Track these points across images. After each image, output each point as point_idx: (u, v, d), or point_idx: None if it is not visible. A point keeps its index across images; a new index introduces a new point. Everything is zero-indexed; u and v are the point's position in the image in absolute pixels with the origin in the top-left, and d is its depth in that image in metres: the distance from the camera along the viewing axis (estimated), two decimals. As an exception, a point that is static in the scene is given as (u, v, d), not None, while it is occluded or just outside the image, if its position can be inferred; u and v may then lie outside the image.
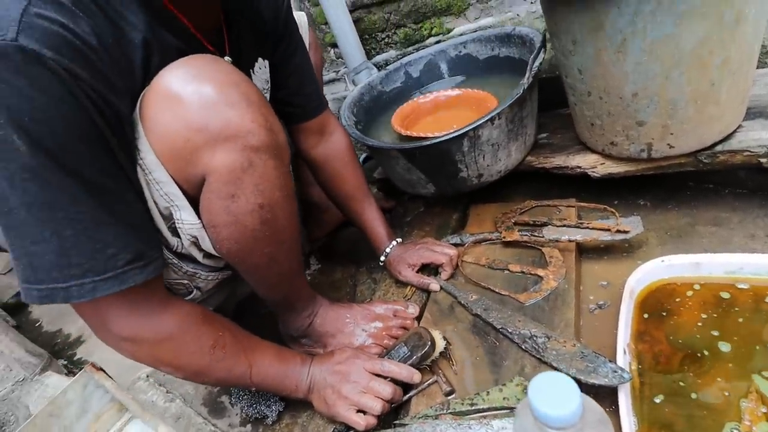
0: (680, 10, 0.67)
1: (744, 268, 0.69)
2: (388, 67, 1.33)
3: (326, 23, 1.55)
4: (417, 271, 0.94)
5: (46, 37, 0.45)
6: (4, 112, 0.45)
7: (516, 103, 0.89)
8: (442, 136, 0.89)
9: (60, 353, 1.40)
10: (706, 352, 0.63)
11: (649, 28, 0.70)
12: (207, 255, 0.69)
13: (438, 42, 1.42)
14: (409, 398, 0.73)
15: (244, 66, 0.76)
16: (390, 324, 0.85)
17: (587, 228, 0.87)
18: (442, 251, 0.94)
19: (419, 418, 0.69)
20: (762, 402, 0.55)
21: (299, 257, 0.78)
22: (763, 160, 0.78)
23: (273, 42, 0.81)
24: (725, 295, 0.69)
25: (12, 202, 0.49)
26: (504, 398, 0.65)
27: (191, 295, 0.75)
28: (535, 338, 0.71)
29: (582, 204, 0.95)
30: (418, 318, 0.87)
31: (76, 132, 0.49)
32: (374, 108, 1.26)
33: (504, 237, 0.94)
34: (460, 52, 1.28)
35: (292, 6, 0.95)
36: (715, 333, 0.65)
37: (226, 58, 0.69)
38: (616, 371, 0.60)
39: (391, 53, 1.59)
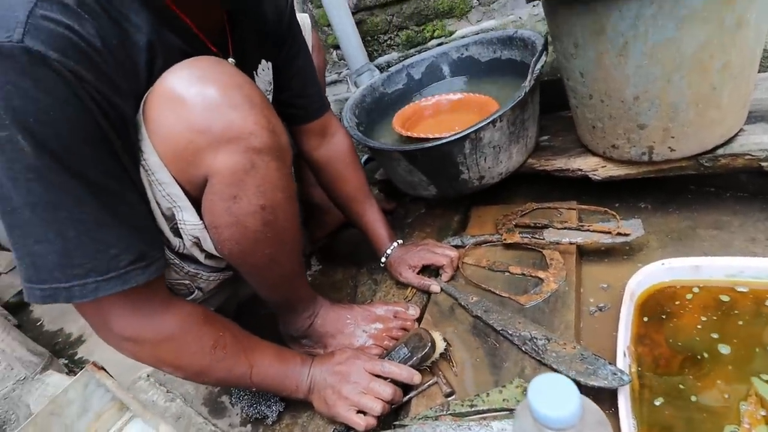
0: (681, 14, 0.67)
1: (744, 271, 0.69)
2: (390, 69, 1.34)
3: (329, 25, 1.55)
4: (418, 273, 0.94)
5: (51, 38, 0.46)
6: (10, 112, 0.46)
7: (517, 105, 0.89)
8: (444, 138, 0.89)
9: (61, 352, 1.41)
10: (705, 355, 0.63)
11: (650, 31, 0.70)
12: (209, 256, 0.70)
13: (440, 44, 1.42)
14: (409, 399, 0.74)
15: (248, 68, 0.76)
16: (390, 325, 0.85)
17: (588, 230, 0.87)
18: (442, 253, 0.94)
19: (419, 419, 0.69)
20: (761, 405, 0.55)
21: (300, 258, 0.78)
22: (764, 163, 0.78)
23: (276, 44, 0.81)
24: (725, 298, 0.69)
25: (16, 202, 0.49)
26: (504, 400, 0.66)
27: (193, 296, 0.76)
28: (535, 340, 0.71)
29: (583, 206, 0.96)
30: (419, 319, 0.87)
31: (80, 134, 0.49)
32: (376, 110, 1.27)
33: (505, 239, 0.94)
34: (462, 54, 1.28)
35: (296, 8, 0.95)
36: (715, 336, 0.65)
37: (230, 59, 0.69)
38: (615, 373, 0.60)
39: (394, 55, 1.60)
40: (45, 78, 0.46)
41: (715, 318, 0.67)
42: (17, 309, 1.69)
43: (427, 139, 0.97)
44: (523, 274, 0.86)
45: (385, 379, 0.73)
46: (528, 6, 1.35)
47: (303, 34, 0.88)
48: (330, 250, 1.28)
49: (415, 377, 0.74)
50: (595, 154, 0.95)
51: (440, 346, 0.76)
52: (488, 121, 0.88)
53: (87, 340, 1.42)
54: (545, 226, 0.92)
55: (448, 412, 0.67)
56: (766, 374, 0.59)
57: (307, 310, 0.85)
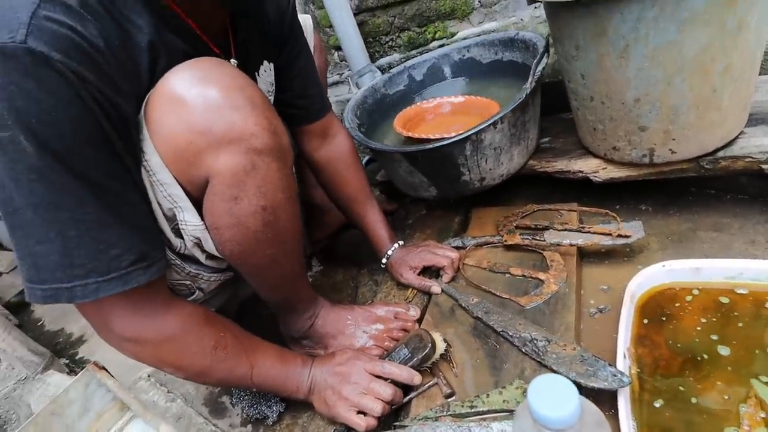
0: (683, 17, 0.67)
1: (744, 273, 0.69)
2: (391, 71, 1.34)
3: (331, 26, 1.56)
4: (418, 274, 0.94)
5: (54, 39, 0.46)
6: (13, 113, 0.46)
7: (519, 107, 0.89)
8: (445, 140, 0.90)
9: (62, 352, 1.41)
10: (705, 356, 0.63)
11: (651, 34, 0.70)
12: (209, 256, 0.70)
13: (442, 46, 1.42)
14: (410, 400, 0.74)
15: (250, 69, 0.76)
16: (391, 326, 0.85)
17: (589, 232, 0.87)
18: (443, 254, 0.94)
19: (419, 419, 0.69)
20: (761, 407, 0.55)
21: (301, 259, 0.78)
22: (764, 166, 0.78)
23: (278, 45, 0.81)
24: (724, 300, 0.69)
25: (18, 203, 0.49)
26: (504, 401, 0.66)
27: (193, 296, 0.76)
28: (535, 341, 0.71)
29: (584, 208, 0.96)
30: (419, 320, 0.87)
31: (83, 134, 0.50)
32: (377, 111, 1.27)
33: (505, 240, 0.94)
34: (463, 56, 1.28)
35: (298, 9, 0.95)
36: (715, 337, 0.65)
37: (232, 61, 0.69)
38: (615, 375, 0.60)
39: (395, 56, 1.60)
40: (48, 79, 0.46)
41: (714, 320, 0.67)
42: (18, 309, 1.69)
43: (428, 140, 0.97)
44: (524, 276, 0.86)
45: (386, 379, 0.73)
46: (529, 8, 1.35)
47: (305, 35, 0.88)
48: (331, 251, 1.28)
49: (416, 378, 0.74)
50: (596, 156, 0.95)
51: (440, 347, 0.76)
52: (489, 122, 0.88)
53: (88, 340, 1.42)
54: (546, 228, 0.93)
55: (448, 413, 0.67)
56: (766, 376, 0.59)
57: (307, 311, 0.85)
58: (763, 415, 0.55)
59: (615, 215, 0.87)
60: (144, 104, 0.57)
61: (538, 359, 0.69)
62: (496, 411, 0.66)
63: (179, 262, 0.69)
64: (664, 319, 0.69)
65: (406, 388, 0.75)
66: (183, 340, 0.64)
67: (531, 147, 1.03)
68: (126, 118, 0.55)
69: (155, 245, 0.61)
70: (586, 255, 0.90)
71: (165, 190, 0.60)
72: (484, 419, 0.65)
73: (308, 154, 0.96)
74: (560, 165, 0.99)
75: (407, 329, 0.85)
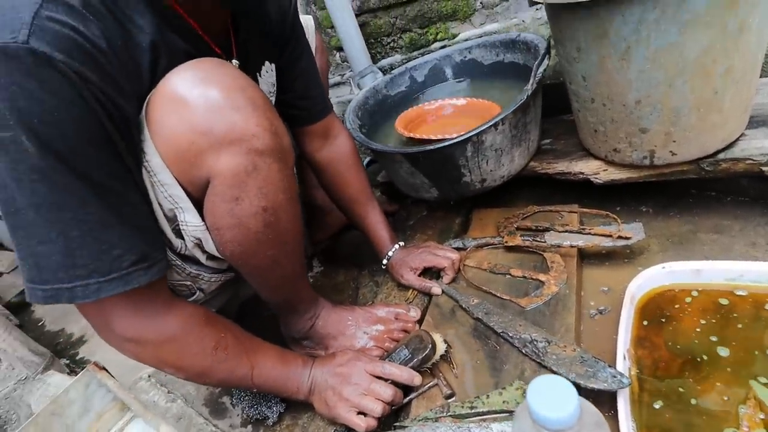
0: (684, 19, 0.67)
1: (744, 275, 0.70)
2: (393, 72, 1.34)
3: (332, 27, 1.56)
4: (419, 275, 0.94)
5: (57, 40, 0.46)
6: (15, 113, 0.46)
7: (520, 108, 0.89)
8: (446, 141, 0.90)
9: (62, 352, 1.41)
10: (705, 357, 0.63)
11: (653, 36, 0.70)
12: (210, 257, 0.70)
13: (443, 47, 1.43)
14: (410, 401, 0.74)
15: (252, 69, 0.76)
16: (391, 327, 0.85)
17: (589, 234, 0.87)
18: (444, 255, 0.94)
19: (419, 420, 0.69)
20: (760, 408, 0.55)
21: (302, 260, 0.78)
22: (765, 168, 0.78)
23: (279, 45, 0.82)
24: (724, 301, 0.69)
25: (20, 203, 0.49)
26: (504, 402, 0.66)
27: (194, 297, 0.76)
28: (535, 342, 0.71)
29: (584, 210, 0.96)
30: (420, 321, 0.88)
31: (85, 135, 0.50)
32: (379, 112, 1.27)
33: (506, 242, 0.94)
34: (465, 57, 1.29)
35: (300, 9, 0.96)
36: (714, 339, 0.65)
37: (234, 61, 0.70)
38: (615, 376, 0.60)
39: (397, 57, 1.60)
40: (50, 79, 0.46)
41: (714, 321, 0.67)
42: (19, 309, 1.69)
43: (430, 141, 0.97)
44: (524, 277, 0.86)
45: (386, 380, 0.73)
46: (531, 9, 1.35)
47: (306, 35, 0.89)
48: (332, 251, 1.28)
49: (416, 379, 0.74)
50: (596, 157, 0.95)
51: (441, 347, 0.77)
52: (490, 124, 0.88)
53: (88, 341, 1.42)
54: (546, 229, 0.93)
55: (448, 414, 0.68)
56: (765, 378, 0.59)
57: (308, 312, 0.85)
58: (762, 417, 0.55)
59: (615, 217, 0.88)
60: (145, 105, 0.57)
61: (538, 360, 0.69)
62: (496, 412, 0.66)
63: (180, 263, 0.69)
64: (663, 320, 0.70)
65: (406, 389, 0.75)
66: (184, 340, 0.64)
67: (532, 148, 1.03)
68: (128, 118, 0.55)
69: (156, 246, 0.61)
70: (586, 256, 0.90)
71: (166, 190, 0.60)
72: (484, 420, 0.65)
73: (309, 155, 0.96)
74: (561, 166, 0.99)
75: (408, 330, 0.85)
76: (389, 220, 1.03)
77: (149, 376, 1.01)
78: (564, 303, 0.78)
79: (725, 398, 0.58)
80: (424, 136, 1.03)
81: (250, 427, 0.86)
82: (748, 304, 0.68)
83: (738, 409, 0.56)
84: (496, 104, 1.09)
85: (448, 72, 1.32)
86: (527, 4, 1.35)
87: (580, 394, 0.41)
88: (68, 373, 1.23)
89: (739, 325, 0.66)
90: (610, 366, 0.62)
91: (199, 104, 0.54)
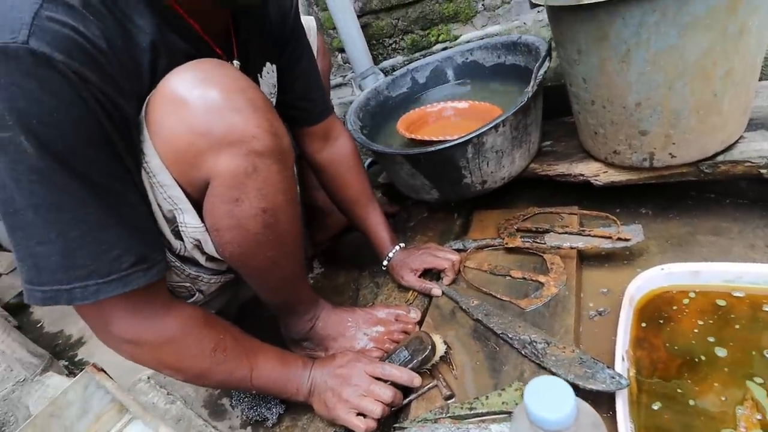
0: (684, 22, 0.68)
1: (743, 277, 0.70)
2: (394, 73, 1.34)
3: (334, 28, 1.56)
4: (419, 276, 0.94)
5: (57, 40, 0.46)
6: (14, 114, 0.46)
7: (520, 110, 0.90)
8: (447, 142, 0.90)
9: (61, 354, 1.41)
10: (702, 358, 0.63)
11: (653, 39, 0.70)
12: (210, 258, 0.70)
13: (445, 48, 1.43)
14: (409, 402, 0.74)
15: (252, 70, 0.76)
16: (392, 328, 0.85)
17: (589, 235, 0.87)
18: (444, 256, 0.94)
19: (419, 421, 0.69)
20: (757, 409, 0.56)
21: (302, 261, 0.78)
22: (763, 170, 0.78)
23: (280, 46, 0.82)
24: (721, 302, 0.69)
25: (18, 203, 0.49)
26: (503, 403, 0.66)
27: (193, 298, 0.76)
28: (534, 344, 0.71)
29: (584, 211, 0.96)
30: (420, 322, 0.87)
31: (84, 135, 0.50)
32: (380, 113, 1.27)
33: (506, 243, 0.94)
34: (466, 59, 1.29)
35: (301, 10, 0.96)
36: (712, 339, 0.65)
37: (235, 62, 0.70)
38: (614, 377, 0.60)
39: (398, 59, 1.60)
40: (50, 79, 0.46)
41: (711, 322, 0.67)
42: (17, 310, 1.69)
43: (430, 143, 0.98)
44: (524, 278, 0.87)
45: (386, 381, 0.73)
46: (532, 11, 1.36)
47: (308, 36, 0.89)
48: (332, 253, 1.29)
49: (415, 380, 0.74)
50: (596, 159, 0.96)
51: (440, 349, 0.77)
52: (491, 125, 0.88)
53: (87, 342, 1.42)
54: (546, 231, 0.93)
55: (448, 415, 0.68)
56: (761, 378, 0.59)
57: (308, 313, 0.85)
58: (759, 417, 0.55)
59: (615, 219, 0.88)
60: (145, 105, 0.57)
61: (538, 361, 0.69)
62: (495, 413, 0.66)
63: (179, 264, 0.69)
64: (662, 321, 0.70)
65: (405, 390, 0.75)
66: (182, 342, 0.64)
67: (533, 150, 1.03)
68: (127, 119, 0.55)
69: (155, 247, 0.61)
70: (586, 258, 0.91)
71: (165, 191, 0.60)
72: (483, 421, 0.65)
73: (310, 156, 0.96)
74: (561, 168, 0.99)
75: (408, 331, 0.85)
76: (390, 221, 1.03)
77: (148, 378, 1.01)
78: (563, 304, 0.78)
79: (723, 398, 0.58)
80: (426, 138, 1.03)
81: (249, 428, 0.86)
82: (746, 306, 0.68)
83: (735, 410, 0.56)
84: (497, 107, 1.09)
85: (450, 74, 1.32)
86: (528, 6, 1.36)
87: (579, 395, 0.41)
88: (67, 375, 1.22)
89: (737, 326, 0.66)
90: (608, 367, 0.62)
91: (198, 105, 0.54)
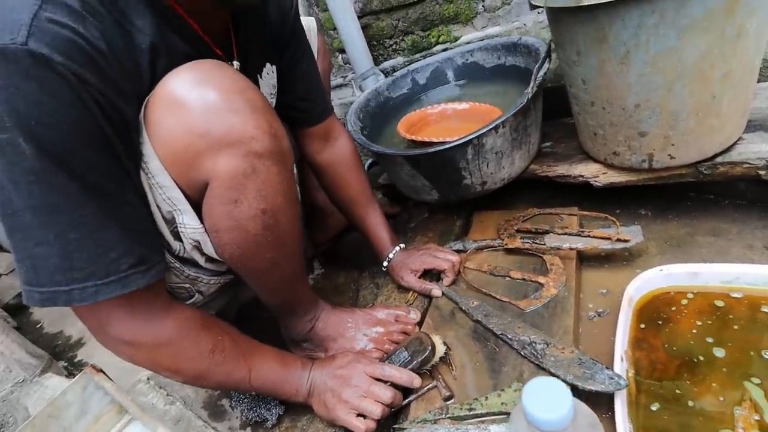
0: (683, 24, 0.68)
1: (741, 278, 0.70)
2: (395, 74, 1.34)
3: (335, 29, 1.56)
4: (419, 277, 0.94)
5: (56, 41, 0.46)
6: (13, 115, 0.46)
7: (520, 112, 0.90)
8: (447, 143, 0.90)
9: (60, 355, 1.40)
10: (701, 358, 0.64)
11: (652, 40, 0.71)
12: (209, 259, 0.70)
13: (445, 50, 1.43)
14: (409, 403, 0.74)
15: (252, 71, 0.76)
16: (391, 329, 0.85)
17: (588, 236, 0.87)
18: (444, 257, 0.94)
19: (418, 422, 0.69)
20: (755, 410, 0.56)
21: (301, 262, 0.78)
22: (762, 172, 0.79)
23: (280, 47, 0.82)
24: (720, 303, 0.69)
25: (16, 205, 0.49)
26: (502, 403, 0.66)
27: (193, 299, 0.76)
28: (534, 345, 0.71)
29: (584, 213, 0.96)
30: (420, 323, 0.88)
31: (83, 137, 0.50)
32: (380, 114, 1.27)
33: (506, 244, 0.94)
34: (466, 60, 1.29)
35: (301, 11, 0.96)
36: (710, 340, 0.65)
37: (235, 63, 0.70)
38: (612, 378, 0.61)
39: (399, 60, 1.61)
40: (49, 81, 0.46)
41: (710, 322, 0.68)
42: (17, 311, 1.68)
43: (431, 144, 0.98)
44: (524, 279, 0.87)
45: (386, 382, 0.73)
46: (533, 13, 1.36)
47: (308, 37, 0.89)
48: (332, 253, 1.29)
49: (415, 381, 0.74)
50: (596, 160, 0.96)
51: (440, 350, 0.77)
52: (491, 127, 0.88)
53: (87, 343, 1.42)
54: (546, 232, 0.93)
55: (447, 416, 0.68)
56: (759, 378, 0.59)
57: (308, 314, 0.85)
58: (757, 418, 0.55)
59: (614, 220, 0.88)
60: (143, 106, 0.57)
61: (537, 362, 0.69)
62: (494, 414, 0.66)
63: (178, 265, 0.69)
64: (660, 322, 0.70)
65: (405, 391, 0.75)
66: (180, 344, 0.64)
67: (532, 151, 1.03)
68: (127, 120, 0.55)
69: (154, 248, 0.60)
70: (585, 259, 0.91)
71: (164, 192, 0.60)
72: (483, 422, 0.66)
73: (310, 157, 0.97)
74: (561, 169, 0.99)
75: (407, 332, 0.85)
76: (390, 222, 1.03)
77: (148, 379, 1.01)
78: (563, 305, 0.78)
79: (721, 399, 0.58)
80: (426, 139, 1.03)
81: (249, 429, 0.86)
82: (744, 306, 0.68)
83: (733, 411, 0.56)
84: (497, 108, 1.10)
85: (450, 75, 1.32)
86: (528, 7, 1.36)
87: (578, 395, 0.41)
88: (66, 376, 1.22)
89: (735, 327, 0.66)
90: (607, 368, 0.63)
91: (197, 106, 0.54)
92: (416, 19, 1.51)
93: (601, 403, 0.62)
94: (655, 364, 0.65)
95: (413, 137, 1.08)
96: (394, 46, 1.60)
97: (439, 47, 1.52)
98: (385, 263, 0.98)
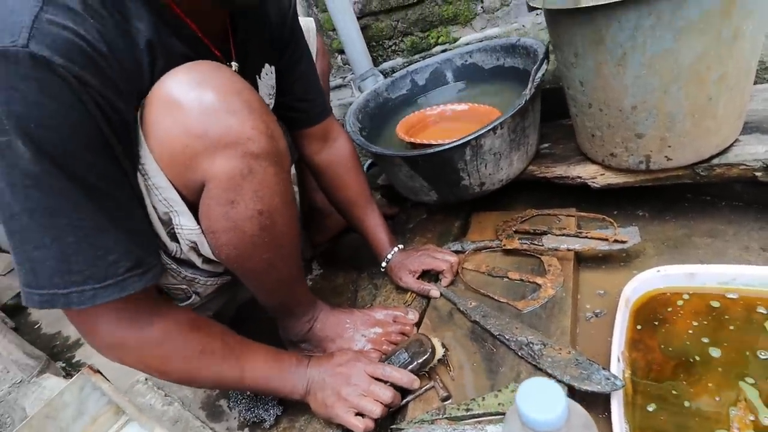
0: (679, 26, 0.68)
1: (737, 279, 0.70)
2: (394, 75, 1.34)
3: (334, 30, 1.57)
4: (418, 278, 0.94)
5: (57, 43, 0.46)
6: (12, 118, 0.45)
7: (518, 113, 0.90)
8: (445, 145, 0.90)
9: (58, 355, 1.40)
10: (697, 358, 0.64)
11: (648, 42, 0.71)
12: (206, 260, 0.70)
13: (444, 51, 1.43)
14: (406, 403, 0.74)
15: (251, 71, 0.76)
16: (389, 329, 0.85)
17: (586, 237, 0.88)
18: (442, 258, 0.94)
19: (415, 422, 0.69)
20: (750, 410, 0.56)
21: (299, 263, 0.78)
22: (758, 173, 0.79)
23: (279, 48, 0.82)
24: (715, 304, 0.70)
25: (14, 208, 0.49)
26: (499, 404, 0.66)
27: (190, 300, 0.76)
28: (531, 345, 0.71)
29: (582, 214, 0.96)
30: (418, 324, 0.88)
31: (82, 140, 0.50)
32: (379, 115, 1.27)
33: (504, 245, 0.94)
34: (466, 61, 1.29)
35: (300, 12, 0.96)
36: (706, 340, 0.66)
37: (233, 63, 0.70)
38: (609, 378, 0.61)
39: (398, 61, 1.61)
40: (50, 83, 0.46)
41: (705, 323, 0.68)
42: (15, 311, 1.68)
43: (429, 145, 0.98)
44: (522, 280, 0.87)
45: (385, 382, 0.73)
46: (531, 14, 1.36)
47: (308, 38, 0.89)
48: (331, 254, 1.29)
49: (415, 383, 0.73)
50: (594, 162, 0.96)
51: (439, 352, 0.77)
52: (489, 128, 0.88)
53: (85, 344, 1.41)
54: (544, 233, 0.93)
55: (444, 416, 0.68)
56: (754, 378, 0.59)
57: (306, 315, 0.85)
58: (752, 418, 0.55)
59: (612, 221, 0.88)
60: (140, 108, 0.57)
61: (534, 363, 0.70)
62: (491, 414, 0.66)
63: (175, 267, 0.69)
64: (657, 323, 0.70)
65: (403, 391, 0.75)
66: (167, 345, 0.63)
67: (531, 152, 1.03)
68: (127, 122, 0.55)
69: (151, 250, 0.60)
70: (583, 260, 0.91)
71: (160, 193, 0.59)
72: (480, 422, 0.66)
73: (309, 158, 0.97)
74: (559, 171, 1.00)
75: (406, 333, 0.85)
76: (389, 223, 1.03)
77: (146, 379, 1.01)
78: (560, 306, 0.78)
79: (717, 399, 0.58)
80: (425, 141, 1.03)
81: (246, 430, 0.86)
82: (739, 307, 0.68)
83: (729, 411, 0.56)
84: (496, 109, 1.10)
85: (449, 76, 1.33)
86: (527, 9, 1.36)
87: (574, 396, 0.41)
88: (64, 377, 1.22)
89: (731, 327, 0.66)
90: (604, 368, 0.63)
91: (194, 107, 0.54)
92: (415, 20, 1.51)
93: (597, 403, 0.62)
94: (651, 365, 0.65)
95: (412, 140, 1.08)
96: (393, 47, 1.61)
97: (438, 48, 1.52)
98: (384, 264, 0.98)
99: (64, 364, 1.35)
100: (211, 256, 0.67)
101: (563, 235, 0.90)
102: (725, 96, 0.75)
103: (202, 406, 0.95)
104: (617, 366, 0.63)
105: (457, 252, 1.00)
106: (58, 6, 0.47)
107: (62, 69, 0.46)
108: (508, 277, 0.89)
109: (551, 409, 0.40)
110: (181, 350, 0.64)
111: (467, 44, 1.36)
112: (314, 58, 0.97)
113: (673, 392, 0.61)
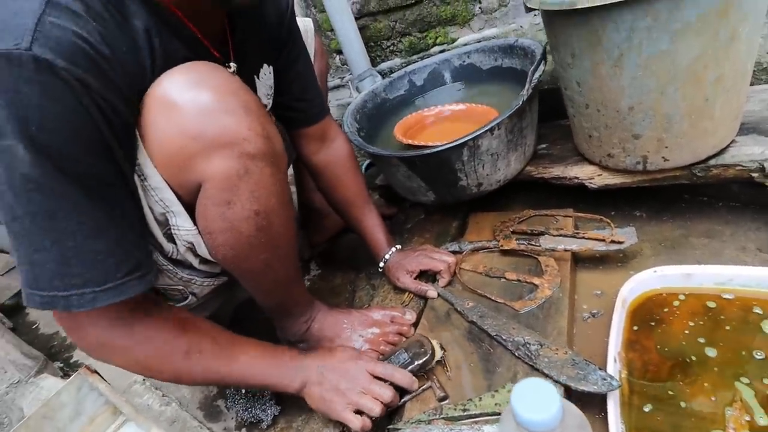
0: (675, 28, 0.68)
1: (734, 279, 0.70)
2: (392, 75, 1.34)
3: (332, 30, 1.57)
4: (415, 278, 0.95)
5: (60, 46, 0.45)
6: (14, 121, 0.45)
7: (516, 113, 0.90)
8: (443, 145, 0.90)
9: (56, 356, 1.40)
10: (693, 358, 0.64)
11: (644, 44, 0.71)
12: (203, 261, 0.70)
13: (442, 51, 1.43)
14: (404, 403, 0.74)
15: (249, 72, 0.76)
16: (387, 330, 0.85)
17: (583, 238, 0.88)
18: (440, 258, 0.95)
19: (412, 422, 0.69)
20: (746, 410, 0.56)
21: (296, 263, 0.78)
22: (755, 174, 0.79)
23: (277, 48, 0.82)
24: (712, 304, 0.70)
25: (17, 211, 0.49)
26: (496, 404, 0.66)
27: (186, 301, 0.75)
28: (528, 345, 0.71)
29: (579, 214, 0.97)
30: (415, 324, 0.88)
31: (84, 143, 0.50)
32: (377, 115, 1.27)
33: (502, 245, 0.95)
34: (463, 61, 1.29)
35: (299, 12, 0.96)
36: (702, 340, 0.66)
37: (232, 64, 0.70)
38: (605, 379, 0.61)
39: (396, 61, 1.61)
40: (52, 86, 0.46)
41: (702, 323, 0.68)
42: (12, 311, 1.67)
43: (427, 147, 0.98)
44: (519, 281, 0.87)
45: (385, 382, 0.73)
46: (529, 15, 1.36)
47: (306, 38, 0.89)
48: (329, 254, 1.29)
49: (414, 384, 0.73)
50: (591, 162, 0.96)
51: (438, 353, 0.77)
52: (486, 128, 0.88)
53: (84, 343, 1.41)
54: (541, 233, 0.93)
55: (441, 416, 0.68)
56: (749, 378, 0.59)
57: (303, 315, 0.85)
58: (747, 418, 0.55)
59: (609, 221, 0.88)
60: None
61: (531, 363, 0.70)
62: (488, 414, 0.66)
63: (171, 268, 0.68)
64: (653, 323, 0.70)
65: (400, 391, 0.75)
66: (153, 346, 0.63)
67: (528, 153, 1.03)
68: (128, 124, 0.55)
69: (148, 254, 0.60)
70: (580, 260, 0.91)
71: (157, 194, 0.59)
72: (476, 422, 0.66)
73: (306, 158, 0.97)
74: (557, 171, 1.00)
75: (403, 333, 0.85)
76: (387, 223, 1.03)
77: (143, 380, 1.01)
78: (557, 306, 0.78)
79: (713, 399, 0.59)
80: (422, 143, 1.03)
81: (244, 430, 0.87)
82: (736, 307, 0.69)
83: (725, 411, 0.57)
84: (494, 109, 1.10)
85: (447, 76, 1.33)
86: (525, 9, 1.36)
87: (571, 396, 0.41)
88: (62, 377, 1.22)
89: (727, 328, 0.67)
90: (600, 369, 0.63)
91: (190, 108, 0.54)
92: (413, 21, 1.51)
93: (594, 403, 0.62)
94: (647, 365, 0.65)
95: (410, 142, 1.08)
96: (391, 48, 1.61)
97: (437, 49, 1.52)
98: (382, 264, 0.98)
99: (61, 365, 1.35)
100: (208, 257, 0.67)
101: (560, 235, 0.91)
102: (722, 97, 0.75)
103: (199, 407, 0.95)
104: (614, 366, 0.63)
105: (454, 252, 1.00)
106: (61, 8, 0.47)
107: (65, 72, 0.46)
108: (505, 278, 0.89)
109: (545, 410, 0.40)
110: (168, 350, 0.64)
111: (465, 45, 1.36)
112: (312, 58, 0.97)
113: (670, 392, 0.61)
